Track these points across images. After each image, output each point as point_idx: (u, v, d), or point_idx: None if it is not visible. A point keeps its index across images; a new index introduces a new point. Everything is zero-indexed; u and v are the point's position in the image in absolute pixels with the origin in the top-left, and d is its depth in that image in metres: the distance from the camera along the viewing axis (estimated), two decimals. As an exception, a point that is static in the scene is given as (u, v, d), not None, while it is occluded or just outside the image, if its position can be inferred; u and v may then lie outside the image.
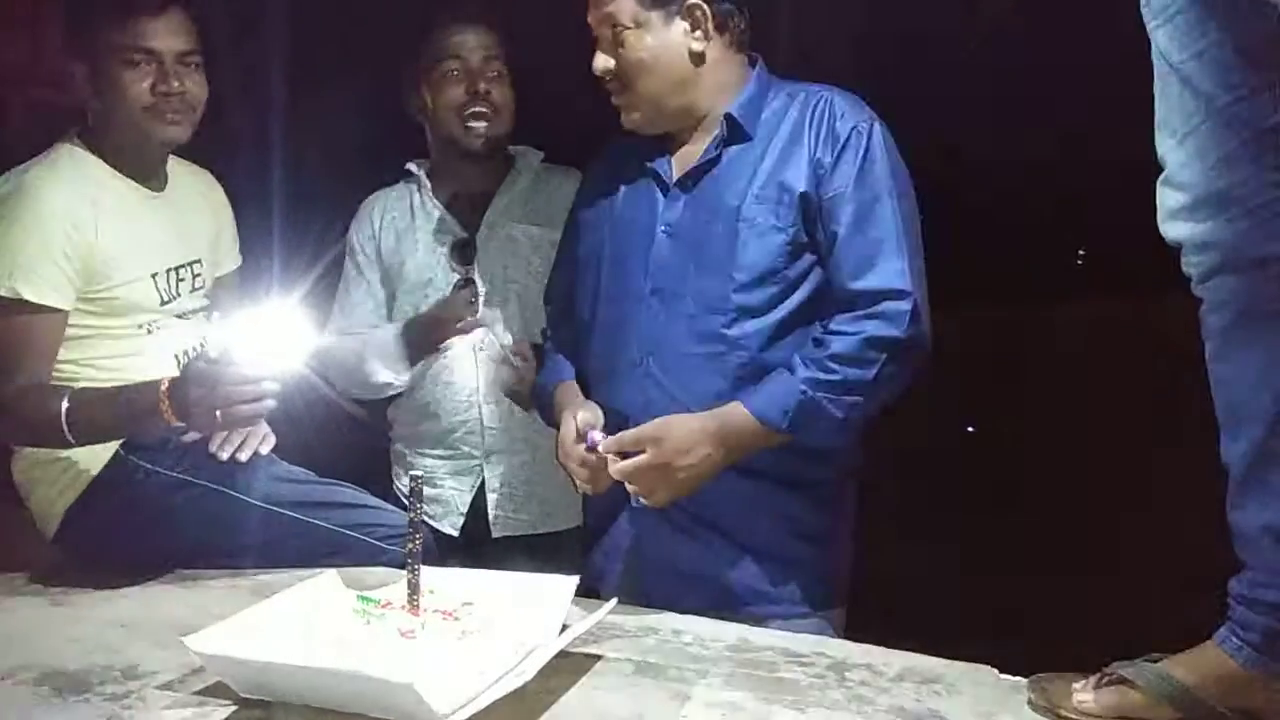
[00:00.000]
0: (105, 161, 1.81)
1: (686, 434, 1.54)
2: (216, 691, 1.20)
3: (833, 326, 1.56)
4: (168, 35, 1.77)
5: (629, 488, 1.56)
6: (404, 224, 2.16)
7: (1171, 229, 1.13)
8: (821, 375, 1.53)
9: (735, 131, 1.64)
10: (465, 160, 2.11)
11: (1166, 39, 1.09)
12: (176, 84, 1.77)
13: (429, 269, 2.11)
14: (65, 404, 1.64)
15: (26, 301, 1.68)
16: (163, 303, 1.83)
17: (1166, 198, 1.13)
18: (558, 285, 1.90)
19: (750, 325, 1.60)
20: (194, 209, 1.95)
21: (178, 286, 1.86)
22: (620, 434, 1.56)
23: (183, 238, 1.90)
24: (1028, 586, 4.27)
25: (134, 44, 1.75)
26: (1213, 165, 1.07)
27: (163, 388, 1.61)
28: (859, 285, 1.55)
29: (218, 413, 1.57)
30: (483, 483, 2.07)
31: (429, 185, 2.16)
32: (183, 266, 1.88)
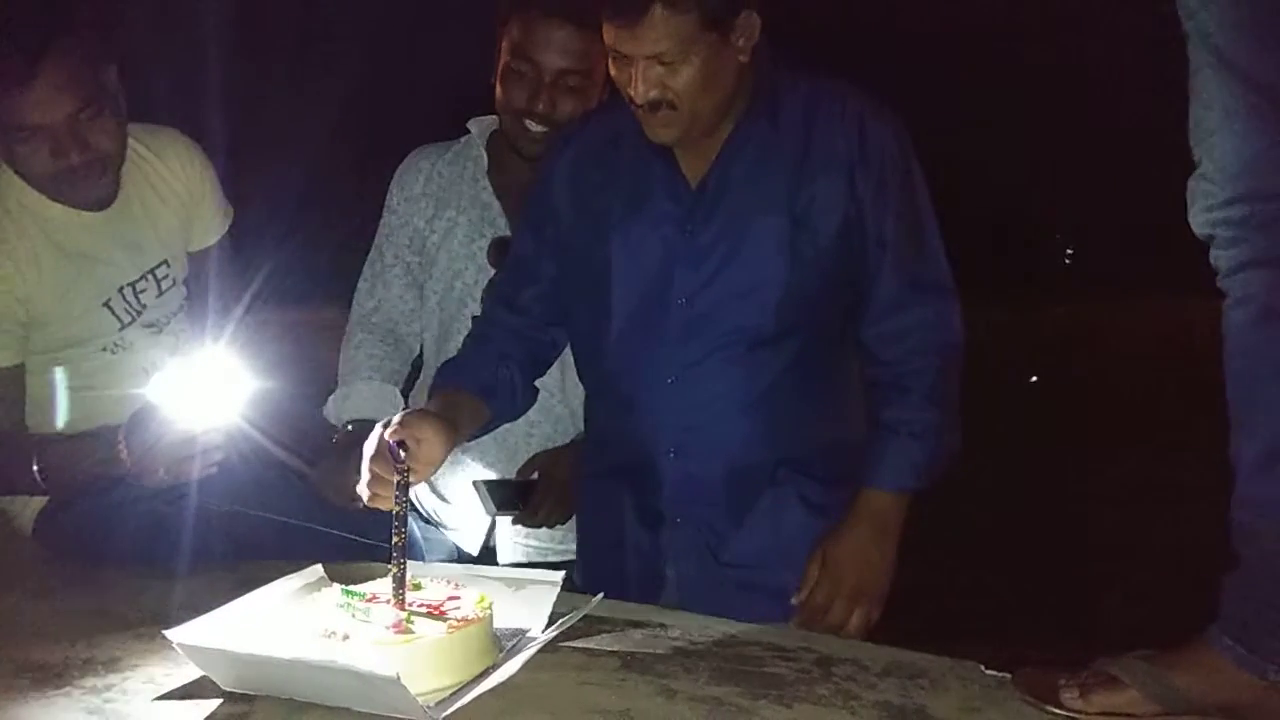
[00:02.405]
0: (41, 192, 1.68)
1: (854, 553, 1.52)
2: (199, 685, 1.19)
3: (906, 366, 1.55)
4: (47, 106, 1.57)
5: (843, 632, 1.52)
6: (450, 197, 1.96)
7: (1204, 222, 1.12)
8: (926, 419, 1.53)
9: (750, 130, 1.57)
10: (520, 156, 1.90)
11: (1212, 25, 1.07)
12: (75, 153, 1.61)
13: (462, 260, 1.94)
14: (36, 463, 1.60)
15: None
16: (123, 326, 1.75)
17: (1202, 191, 1.12)
18: (511, 284, 1.75)
19: (791, 330, 1.57)
20: (154, 203, 1.82)
21: (139, 299, 1.78)
22: (809, 595, 1.53)
23: (140, 246, 1.79)
24: (1017, 582, 4.30)
25: (16, 122, 1.58)
26: (1253, 159, 1.06)
27: (120, 436, 1.57)
28: (916, 295, 1.56)
29: (161, 470, 1.56)
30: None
31: (485, 161, 1.96)
32: (142, 278, 1.79)
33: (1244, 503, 1.12)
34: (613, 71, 1.53)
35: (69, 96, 1.59)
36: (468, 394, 1.60)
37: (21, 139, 1.60)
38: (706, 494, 1.62)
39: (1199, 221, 1.13)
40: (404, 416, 1.40)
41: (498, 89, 1.87)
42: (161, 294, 1.82)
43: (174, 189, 1.86)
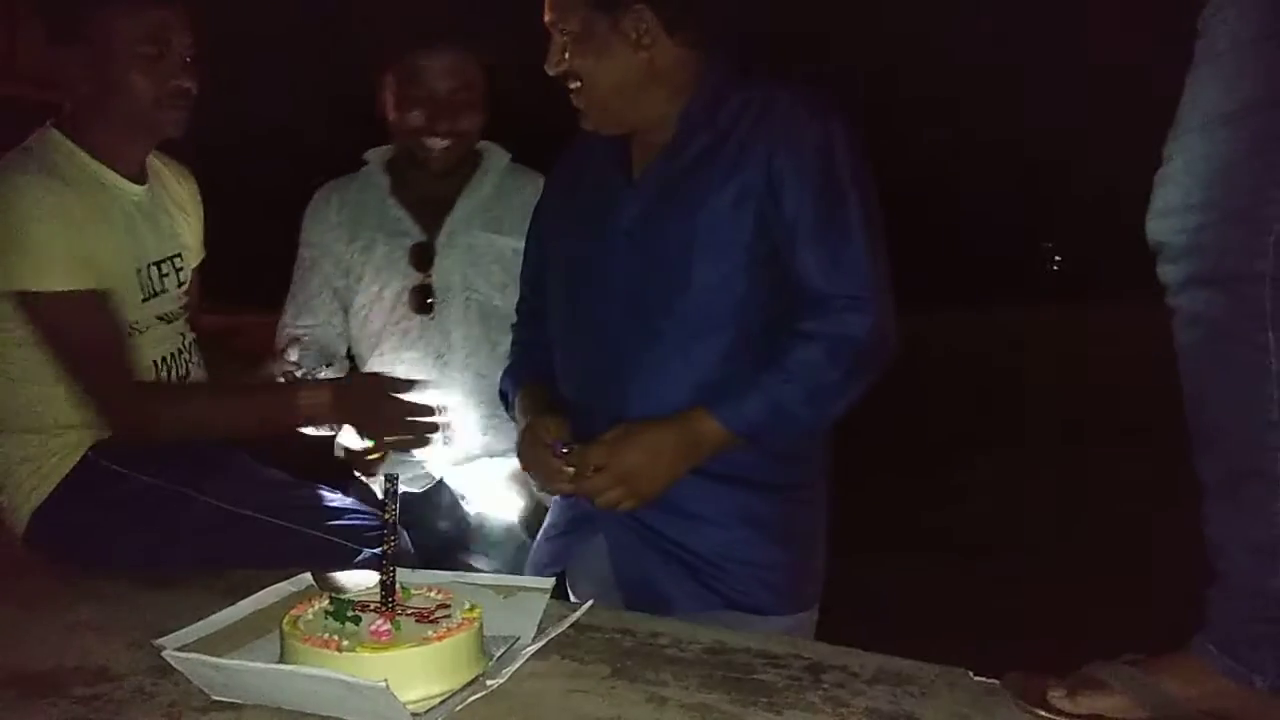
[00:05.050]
0: (91, 155, 1.77)
1: (650, 445, 1.54)
2: (188, 693, 1.19)
3: (799, 330, 1.54)
4: (178, 28, 1.74)
5: (597, 500, 1.56)
6: (362, 219, 2.11)
7: (1155, 229, 1.10)
8: (787, 382, 1.52)
9: (691, 133, 1.61)
10: (424, 169, 2.08)
11: (1240, 23, 1.04)
12: (186, 78, 1.75)
13: (388, 272, 2.08)
14: (203, 398, 1.75)
15: (94, 291, 1.67)
16: (144, 298, 1.79)
17: (1161, 192, 1.10)
18: (525, 286, 1.90)
19: (716, 332, 1.57)
20: (172, 203, 1.93)
21: (161, 281, 1.84)
22: (586, 449, 1.55)
23: (163, 232, 1.87)
24: (1007, 588, 4.31)
25: (147, 35, 1.71)
26: (1224, 168, 1.04)
27: (327, 395, 1.76)
28: (822, 289, 1.54)
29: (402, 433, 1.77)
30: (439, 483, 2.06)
31: (387, 182, 2.12)
32: (164, 261, 1.86)
33: (1212, 520, 1.12)
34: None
35: (189, 27, 1.76)
36: (538, 384, 1.75)
37: (145, 55, 1.71)
38: None
39: (1151, 226, 1.10)
40: (543, 410, 1.66)
41: (393, 117, 2.05)
42: (179, 284, 1.89)
43: (183, 203, 1.97)
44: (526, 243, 1.90)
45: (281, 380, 1.92)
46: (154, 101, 1.74)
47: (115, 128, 1.77)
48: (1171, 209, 1.08)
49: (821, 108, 1.58)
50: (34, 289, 1.65)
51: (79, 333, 1.68)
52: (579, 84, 1.61)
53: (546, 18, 1.62)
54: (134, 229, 1.80)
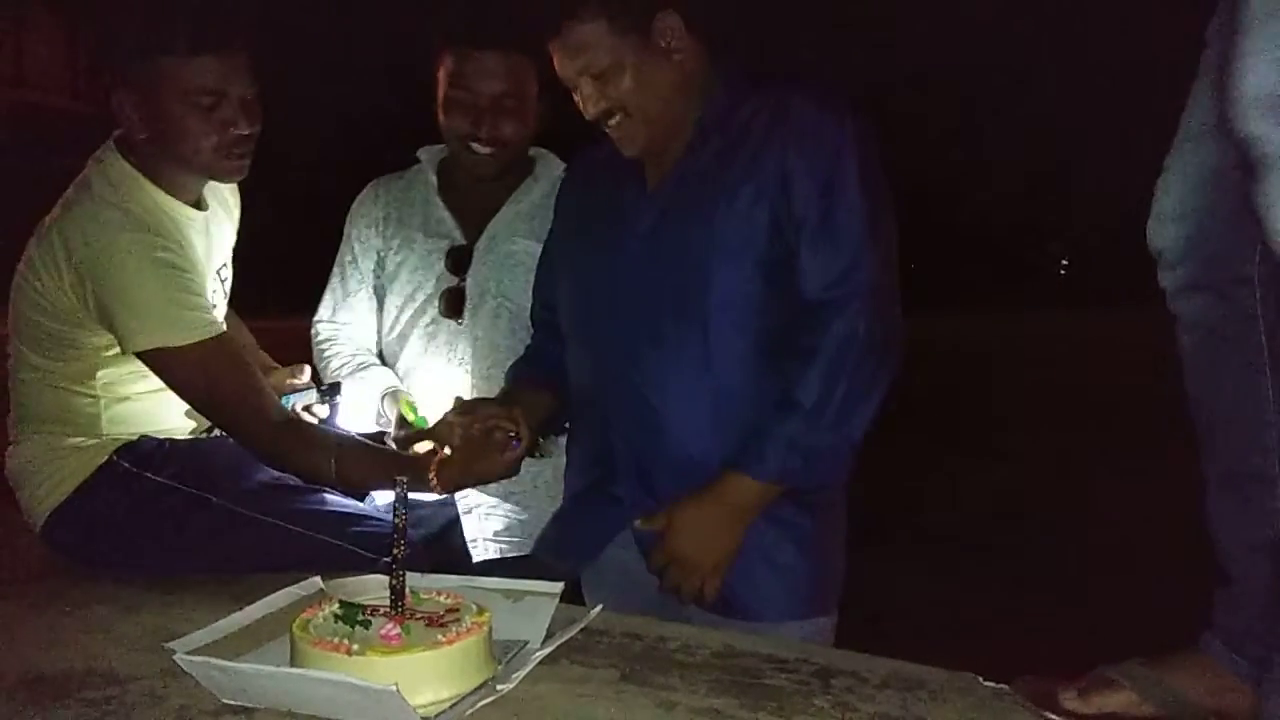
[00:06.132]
0: (156, 184, 1.75)
1: (696, 528, 1.55)
2: (198, 697, 1.19)
3: (796, 348, 1.53)
4: (236, 75, 1.70)
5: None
6: (405, 216, 2.08)
7: (1157, 235, 1.12)
8: (795, 417, 1.52)
9: (706, 137, 1.60)
10: (473, 178, 2.04)
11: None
12: (245, 124, 1.72)
13: (421, 272, 2.05)
14: (334, 461, 1.71)
15: (222, 335, 1.69)
16: None
17: (1158, 201, 1.11)
18: (537, 294, 1.90)
19: (734, 339, 1.57)
20: (220, 214, 1.92)
21: (223, 286, 1.87)
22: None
23: (215, 244, 1.87)
24: (1014, 592, 4.30)
25: (203, 85, 1.67)
26: (1211, 176, 1.05)
27: (432, 467, 1.69)
28: (816, 294, 1.53)
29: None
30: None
31: (435, 182, 2.08)
32: (223, 267, 1.89)
33: (1215, 520, 1.13)
34: (579, 103, 1.62)
35: (248, 71, 1.72)
36: (532, 385, 1.78)
37: (201, 104, 1.68)
38: (658, 489, 1.63)
39: (1150, 233, 1.11)
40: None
41: (441, 118, 2.00)
42: (225, 295, 1.90)
43: (229, 206, 1.95)
44: (541, 253, 1.90)
45: (302, 411, 1.91)
46: (213, 150, 1.71)
47: (175, 168, 1.75)
48: (1167, 216, 1.10)
49: (837, 109, 1.56)
50: (149, 348, 1.66)
51: (204, 381, 1.69)
52: (623, 115, 1.58)
53: (564, 71, 1.59)
54: (199, 254, 1.79)
